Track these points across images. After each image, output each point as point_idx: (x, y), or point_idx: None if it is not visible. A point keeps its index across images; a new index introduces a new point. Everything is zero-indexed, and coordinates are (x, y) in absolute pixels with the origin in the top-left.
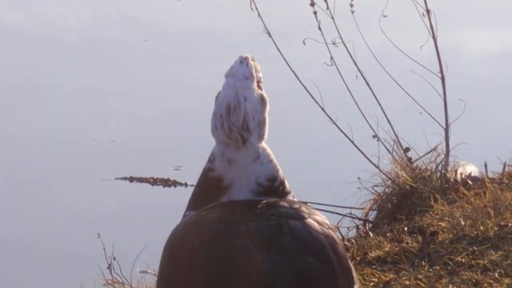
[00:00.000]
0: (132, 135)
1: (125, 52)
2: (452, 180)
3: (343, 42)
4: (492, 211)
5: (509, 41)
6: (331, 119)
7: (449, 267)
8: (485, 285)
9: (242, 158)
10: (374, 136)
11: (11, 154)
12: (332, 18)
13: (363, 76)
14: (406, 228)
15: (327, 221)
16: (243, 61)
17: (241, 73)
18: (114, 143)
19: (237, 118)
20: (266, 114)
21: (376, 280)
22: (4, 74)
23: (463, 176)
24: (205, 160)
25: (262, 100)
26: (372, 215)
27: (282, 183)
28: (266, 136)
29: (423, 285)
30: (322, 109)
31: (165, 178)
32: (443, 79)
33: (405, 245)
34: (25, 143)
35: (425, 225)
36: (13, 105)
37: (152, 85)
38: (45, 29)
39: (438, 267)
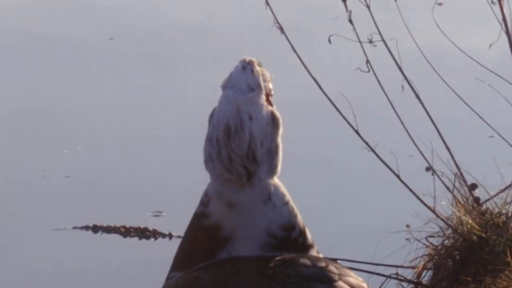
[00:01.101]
0: (93, 168)
1: (82, 54)
2: None
3: (383, 39)
4: None
5: None
6: (368, 145)
7: None
8: None
9: (248, 199)
10: (428, 169)
11: None
12: (368, 7)
13: (411, 86)
14: None
15: (365, 285)
16: (247, 66)
17: (244, 82)
18: (69, 179)
19: (240, 144)
20: (279, 139)
21: None
22: None
23: None
24: (195, 202)
25: (274, 119)
26: (426, 276)
27: (302, 233)
28: (279, 169)
29: None
30: (356, 131)
31: (142, 227)
32: None
33: None
34: None
35: None
36: None
37: (119, 100)
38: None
39: None
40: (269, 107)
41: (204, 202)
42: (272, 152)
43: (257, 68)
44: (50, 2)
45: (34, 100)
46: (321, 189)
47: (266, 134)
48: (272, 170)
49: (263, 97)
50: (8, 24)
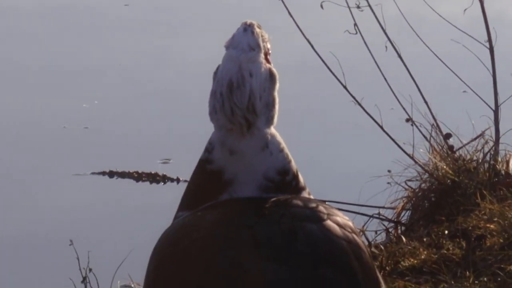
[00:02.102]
0: (109, 121)
1: (99, 20)
2: (502, 172)
3: (369, 5)
4: None
5: None
6: (355, 99)
7: (499, 279)
8: None
9: (247, 147)
10: (407, 120)
11: None
12: None
13: (394, 47)
14: (446, 232)
15: (351, 224)
16: (248, 28)
17: (246, 43)
18: (87, 130)
19: (242, 97)
20: (276, 93)
21: None
22: None
23: None
24: (200, 150)
25: (271, 76)
26: (405, 216)
27: (295, 177)
28: (275, 120)
29: None
30: (344, 87)
31: (152, 172)
32: (491, 50)
33: (446, 252)
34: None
35: (470, 228)
36: None
37: (133, 61)
38: None
39: (485, 278)
40: (268, 65)
41: (209, 149)
42: (270, 105)
43: (257, 30)
44: None
45: (55, 60)
46: (313, 138)
47: (264, 89)
48: (269, 121)
49: (262, 56)
50: None
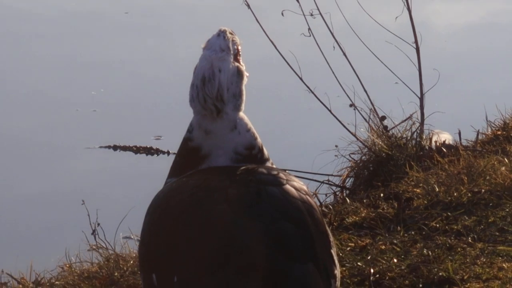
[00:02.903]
0: (113, 105)
1: (104, 24)
2: (426, 147)
3: (320, 13)
4: (466, 178)
5: (474, 14)
6: (309, 88)
7: (423, 232)
8: (459, 249)
9: (219, 128)
10: (351, 105)
11: None
12: None
13: (340, 47)
14: (382, 195)
15: (305, 187)
16: (221, 34)
17: (218, 45)
18: (96, 112)
19: (212, 89)
20: (243, 86)
21: (352, 245)
22: None
23: (438, 144)
24: (185, 129)
25: (239, 72)
26: (349, 182)
27: (260, 151)
28: (243, 106)
29: (398, 249)
30: (300, 78)
31: (148, 146)
32: (417, 49)
33: (381, 211)
34: (12, 108)
35: (401, 192)
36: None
37: (131, 57)
38: (26, 4)
39: (413, 232)
40: (236, 63)
41: (189, 130)
42: (237, 95)
43: (228, 35)
44: None
45: (70, 56)
46: (276, 119)
47: (232, 82)
48: (236, 108)
49: (231, 56)
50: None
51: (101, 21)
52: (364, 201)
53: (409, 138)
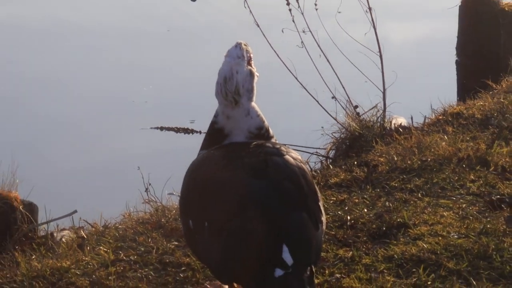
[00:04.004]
0: (160, 97)
1: (153, 39)
2: (388, 128)
3: (310, 30)
4: (416, 150)
5: (420, 31)
6: (302, 85)
7: (386, 190)
8: (412, 202)
9: (237, 114)
10: (332, 97)
11: (73, 105)
12: (302, 14)
13: (324, 55)
14: (355, 162)
15: (300, 157)
16: (237, 45)
17: (235, 54)
18: (146, 103)
19: (231, 86)
20: (254, 83)
21: (334, 199)
22: (67, 56)
23: (396, 126)
24: (212, 115)
25: (251, 73)
26: (331, 154)
27: (267, 131)
28: (254, 98)
29: (367, 202)
30: (296, 78)
31: (185, 127)
32: (381, 57)
33: (355, 174)
34: (89, 100)
35: (369, 160)
36: (79, 76)
37: (173, 63)
38: (88, 22)
39: (378, 190)
40: (249, 67)
41: (215, 115)
42: (249, 90)
43: (243, 46)
44: (134, 11)
45: (128, 61)
46: (279, 108)
47: (246, 80)
48: (250, 99)
49: (246, 62)
50: (108, 21)
51: (149, 35)
52: (343, 167)
53: (375, 121)
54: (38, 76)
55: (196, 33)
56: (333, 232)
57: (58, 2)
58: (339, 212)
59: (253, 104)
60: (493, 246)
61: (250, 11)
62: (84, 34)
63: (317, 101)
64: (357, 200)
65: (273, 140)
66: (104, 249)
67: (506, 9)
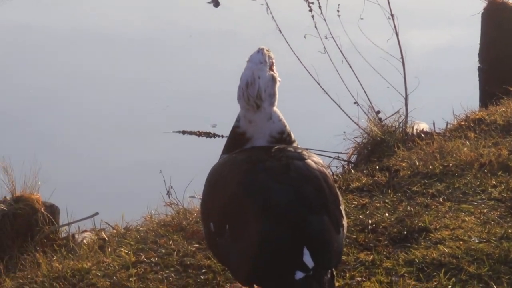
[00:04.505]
0: (182, 102)
1: (175, 45)
2: (410, 133)
3: (332, 37)
4: (438, 155)
5: (441, 38)
6: (324, 90)
7: (407, 194)
8: (433, 207)
9: (258, 119)
10: (355, 103)
11: (97, 107)
12: (325, 20)
13: (347, 61)
14: (377, 167)
15: (322, 161)
16: (260, 51)
17: (257, 59)
18: (168, 107)
19: (253, 91)
20: (276, 88)
21: (356, 203)
22: (90, 63)
23: (418, 131)
24: (233, 120)
25: (273, 78)
26: (353, 158)
27: (289, 135)
28: (276, 103)
29: (389, 206)
30: (318, 83)
31: (207, 131)
32: (403, 63)
33: (377, 178)
34: (113, 104)
35: (391, 165)
36: (104, 80)
37: (195, 68)
38: (112, 30)
39: (399, 194)
40: (271, 72)
41: (237, 120)
42: (271, 95)
43: (265, 52)
44: (158, 20)
45: (148, 71)
46: (301, 112)
47: (268, 86)
48: (271, 104)
49: (268, 67)
50: (133, 29)
51: (172, 41)
52: (364, 171)
53: (397, 126)
54: (66, 74)
55: (218, 39)
56: (354, 236)
57: (82, 10)
58: (360, 216)
59: (275, 108)
60: None
61: (273, 17)
62: (111, 41)
63: (339, 106)
64: (378, 205)
65: (294, 144)
66: (125, 251)
67: None
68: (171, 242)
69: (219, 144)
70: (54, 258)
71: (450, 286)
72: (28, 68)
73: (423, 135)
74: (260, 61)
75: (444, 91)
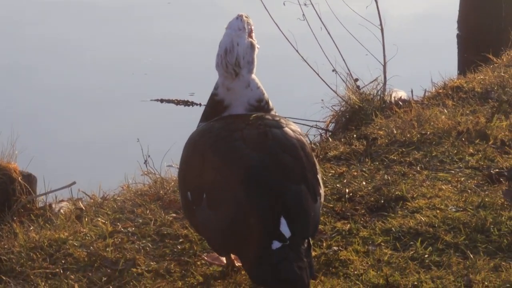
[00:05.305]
0: (159, 71)
1: (153, 12)
2: (388, 101)
3: (311, 3)
4: (416, 124)
5: (419, 6)
6: (303, 58)
7: (385, 163)
8: (410, 175)
9: (237, 86)
10: (333, 70)
11: (73, 76)
12: None
13: (325, 28)
14: (355, 135)
15: (299, 130)
16: (238, 17)
17: (236, 26)
18: (147, 75)
19: (231, 58)
20: (255, 55)
21: (333, 171)
22: (70, 27)
23: (396, 99)
24: (211, 88)
25: (252, 45)
26: (331, 126)
27: (267, 103)
28: (255, 70)
29: (366, 175)
30: (297, 51)
31: (185, 100)
32: (382, 30)
33: (354, 147)
34: (89, 72)
35: (369, 133)
36: (79, 47)
37: (172, 36)
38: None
39: (377, 163)
40: (250, 39)
41: (215, 87)
42: (250, 62)
43: (244, 18)
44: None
45: (128, 35)
46: (280, 80)
47: (246, 52)
48: (250, 71)
49: (247, 34)
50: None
51: (149, 8)
52: (342, 140)
53: (375, 94)
54: (41, 45)
55: (197, 6)
56: (331, 205)
57: None
58: (337, 185)
59: (253, 76)
60: (491, 220)
61: None
62: (88, 7)
63: (317, 74)
64: (355, 173)
65: (272, 112)
66: (102, 220)
67: None
68: (148, 212)
69: (197, 113)
70: (31, 228)
71: (426, 255)
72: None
73: (401, 103)
74: (239, 28)
75: (423, 59)
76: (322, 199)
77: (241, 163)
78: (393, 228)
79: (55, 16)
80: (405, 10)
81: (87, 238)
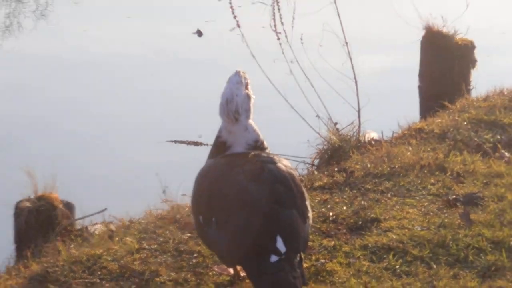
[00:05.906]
0: (172, 117)
1: (162, 69)
2: (362, 141)
3: (297, 61)
4: (386, 159)
5: (385, 61)
6: (291, 106)
7: (361, 191)
8: (383, 201)
9: (237, 129)
10: (316, 116)
11: (99, 125)
12: (290, 47)
13: (309, 81)
14: (336, 169)
15: (290, 164)
16: (237, 73)
17: (235, 80)
18: (162, 122)
19: (232, 107)
20: (251, 104)
21: (319, 198)
22: (88, 84)
23: (369, 139)
24: (216, 131)
25: (248, 96)
26: (316, 162)
27: (262, 143)
28: (252, 116)
29: (346, 201)
30: (286, 100)
31: (194, 141)
32: (356, 82)
33: (336, 178)
34: (111, 117)
35: (347, 167)
36: (101, 100)
37: (182, 89)
38: (106, 56)
39: (355, 191)
40: (246, 91)
41: (220, 131)
42: (247, 110)
43: (242, 73)
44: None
45: (133, 87)
46: (272, 125)
47: (244, 102)
48: (248, 117)
49: (244, 86)
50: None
51: (159, 65)
52: (325, 172)
53: (351, 135)
54: (66, 101)
55: (202, 64)
56: (318, 226)
57: (81, 35)
58: (323, 209)
59: (251, 121)
60: (450, 237)
61: (247, 45)
62: (104, 64)
63: (303, 119)
64: (337, 200)
65: (267, 150)
66: (130, 239)
67: (459, 43)
68: (167, 232)
69: (205, 151)
70: (72, 246)
71: (398, 266)
72: (60, 80)
73: (373, 142)
74: (237, 82)
75: (390, 106)
76: (311, 221)
77: (242, 192)
78: (369, 244)
79: (78, 74)
80: (375, 64)
81: (118, 253)
